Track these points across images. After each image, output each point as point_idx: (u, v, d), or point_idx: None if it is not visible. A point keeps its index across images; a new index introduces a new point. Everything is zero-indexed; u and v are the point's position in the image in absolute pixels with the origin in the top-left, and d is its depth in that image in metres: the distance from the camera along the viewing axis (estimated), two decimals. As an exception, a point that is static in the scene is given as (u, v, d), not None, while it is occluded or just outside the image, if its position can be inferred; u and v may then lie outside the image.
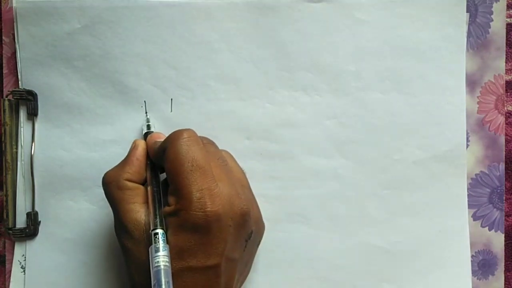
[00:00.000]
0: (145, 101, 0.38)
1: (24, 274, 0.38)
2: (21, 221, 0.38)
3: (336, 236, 0.38)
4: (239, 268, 0.32)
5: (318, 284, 0.38)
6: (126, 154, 0.34)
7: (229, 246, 0.30)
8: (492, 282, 0.40)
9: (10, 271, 0.38)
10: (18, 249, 0.38)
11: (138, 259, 0.30)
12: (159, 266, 0.27)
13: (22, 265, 0.38)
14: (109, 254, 0.38)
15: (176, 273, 0.28)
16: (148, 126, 0.37)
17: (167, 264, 0.28)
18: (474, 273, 0.39)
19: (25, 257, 0.38)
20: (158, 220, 0.29)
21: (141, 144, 0.34)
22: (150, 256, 0.28)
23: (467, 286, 0.39)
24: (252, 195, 0.34)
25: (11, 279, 0.38)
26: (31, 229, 0.38)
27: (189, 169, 0.29)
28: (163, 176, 0.34)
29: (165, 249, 0.28)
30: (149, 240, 0.29)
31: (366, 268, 0.39)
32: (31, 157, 0.38)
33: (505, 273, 0.40)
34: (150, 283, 0.28)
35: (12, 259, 0.38)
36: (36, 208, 0.38)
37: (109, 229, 0.38)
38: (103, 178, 0.32)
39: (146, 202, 0.31)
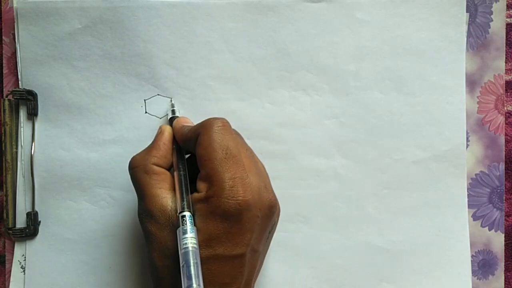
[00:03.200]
0: (145, 101, 0.38)
1: (24, 274, 0.38)
2: (21, 221, 0.38)
3: (336, 236, 0.39)
4: (261, 259, 0.32)
5: (318, 284, 0.38)
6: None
7: (255, 237, 0.30)
8: (492, 282, 0.40)
9: (10, 271, 0.38)
10: (18, 249, 0.38)
11: (162, 244, 0.30)
12: (187, 247, 0.27)
13: (22, 265, 0.38)
14: (109, 254, 0.38)
15: (203, 260, 0.28)
16: (173, 111, 0.37)
17: (195, 245, 0.28)
18: (474, 273, 0.39)
19: (25, 257, 0.38)
20: (185, 203, 0.29)
21: (167, 129, 0.34)
22: (178, 238, 0.28)
23: (467, 286, 0.39)
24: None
25: (11, 279, 0.38)
26: (31, 229, 0.38)
27: (223, 156, 0.29)
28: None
29: (193, 231, 0.28)
30: (174, 225, 0.29)
31: (366, 268, 0.39)
32: (31, 157, 0.38)
33: (505, 273, 0.40)
34: (172, 268, 0.28)
35: (12, 259, 0.38)
36: (36, 208, 0.38)
37: (109, 229, 0.38)
38: (130, 162, 0.32)
39: (173, 188, 0.31)
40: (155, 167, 0.32)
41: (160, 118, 0.38)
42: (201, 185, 0.30)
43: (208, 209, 0.29)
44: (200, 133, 0.31)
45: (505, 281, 0.40)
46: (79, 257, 0.38)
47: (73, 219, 0.38)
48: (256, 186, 0.30)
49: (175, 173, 0.32)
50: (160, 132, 0.34)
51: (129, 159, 0.32)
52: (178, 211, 0.29)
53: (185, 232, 0.28)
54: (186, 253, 0.27)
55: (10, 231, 0.38)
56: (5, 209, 0.38)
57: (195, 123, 0.34)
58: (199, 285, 0.26)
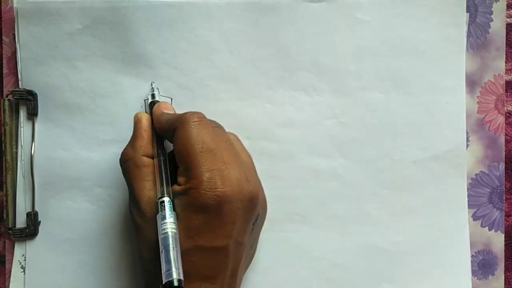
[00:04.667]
0: (145, 101, 0.38)
1: (24, 274, 0.38)
2: (21, 221, 0.38)
3: (336, 236, 0.38)
4: (246, 251, 0.32)
5: (318, 284, 0.38)
6: None
7: (237, 229, 0.30)
8: (492, 282, 0.40)
9: (10, 271, 0.38)
10: (18, 249, 0.38)
11: (148, 237, 0.30)
12: (166, 232, 0.27)
13: (22, 265, 0.38)
14: (109, 254, 0.38)
15: (184, 252, 0.28)
16: (153, 96, 0.37)
17: (174, 230, 0.28)
18: (474, 273, 0.39)
19: (25, 257, 0.38)
20: (164, 188, 0.29)
21: (144, 116, 0.34)
22: (157, 225, 0.28)
23: (467, 286, 0.39)
24: (258, 177, 0.34)
25: (11, 279, 0.38)
26: (31, 229, 0.38)
27: (199, 150, 0.29)
28: (170, 147, 0.34)
29: (172, 216, 0.28)
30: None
31: (366, 268, 0.39)
32: (31, 157, 0.38)
33: (505, 273, 0.40)
34: (158, 260, 0.28)
35: (12, 259, 0.38)
36: (36, 208, 0.38)
37: (109, 229, 0.38)
38: (121, 157, 0.33)
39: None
40: (144, 158, 0.32)
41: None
42: (181, 179, 0.30)
43: (187, 201, 0.29)
44: (177, 128, 0.31)
45: (505, 281, 0.40)
46: (79, 257, 0.38)
47: (73, 219, 0.38)
48: (235, 178, 0.30)
49: (155, 160, 0.32)
50: (137, 121, 0.34)
51: None
52: (157, 197, 0.29)
53: (164, 218, 0.28)
54: (165, 238, 0.27)
55: (10, 231, 0.38)
56: (5, 209, 0.38)
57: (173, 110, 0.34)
58: (177, 268, 0.26)
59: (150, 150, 0.33)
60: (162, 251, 0.27)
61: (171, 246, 0.27)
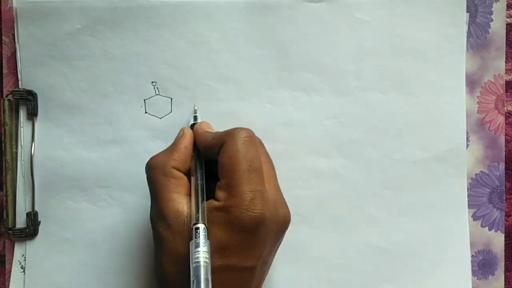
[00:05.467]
0: (145, 101, 0.38)
1: (24, 274, 0.38)
2: (21, 221, 0.38)
3: (336, 236, 0.38)
4: (268, 269, 0.32)
5: (318, 284, 0.38)
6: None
7: (267, 250, 0.30)
8: (492, 282, 0.40)
9: (10, 271, 0.38)
10: (18, 249, 0.38)
11: (173, 250, 0.29)
12: (198, 262, 0.27)
13: (22, 265, 0.38)
14: (108, 254, 0.38)
15: (215, 269, 0.28)
16: (195, 118, 0.37)
17: (207, 260, 0.27)
18: (474, 273, 0.39)
19: (25, 257, 0.38)
20: (200, 214, 0.29)
21: (189, 133, 0.34)
22: (190, 251, 0.28)
23: (467, 286, 0.39)
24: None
25: (11, 279, 0.38)
26: (31, 229, 0.38)
27: (246, 168, 0.29)
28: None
29: (206, 245, 0.28)
30: (188, 232, 0.29)
31: (366, 268, 0.39)
32: (31, 157, 0.38)
33: (505, 273, 0.40)
34: (182, 274, 0.28)
35: (12, 259, 0.38)
36: (36, 208, 0.38)
37: (109, 229, 0.38)
38: (149, 163, 0.32)
39: (189, 193, 0.31)
40: (174, 170, 0.31)
41: (160, 118, 0.38)
42: (220, 194, 0.29)
43: (226, 219, 0.28)
44: (226, 141, 0.30)
45: (505, 281, 0.40)
46: (79, 257, 0.38)
47: (73, 219, 0.38)
48: (273, 200, 0.30)
49: (192, 180, 0.31)
50: (182, 135, 0.33)
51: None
52: (192, 223, 0.29)
53: (197, 246, 0.27)
54: (197, 268, 0.27)
55: (10, 231, 0.38)
56: (5, 209, 0.38)
57: (214, 130, 0.34)
58: None
59: (184, 166, 0.32)
60: (193, 280, 0.27)
61: (202, 277, 0.26)
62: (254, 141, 0.31)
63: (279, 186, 0.32)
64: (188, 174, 0.32)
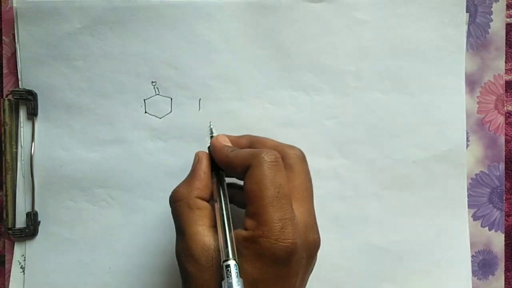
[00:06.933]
0: (145, 101, 0.38)
1: (24, 274, 0.38)
2: (21, 221, 0.38)
3: (336, 236, 0.38)
4: None
5: (318, 284, 0.38)
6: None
7: (300, 279, 0.29)
8: (492, 282, 0.40)
9: (10, 271, 0.38)
10: (18, 249, 0.38)
11: (202, 287, 0.28)
12: None
13: (22, 265, 0.38)
14: (108, 255, 0.38)
15: None
16: (211, 131, 0.35)
17: None
18: (474, 273, 0.39)
19: (24, 257, 0.38)
20: (229, 249, 0.27)
21: (205, 157, 0.32)
22: None
23: (467, 286, 0.39)
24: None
25: (11, 279, 0.38)
26: (31, 229, 0.38)
27: (274, 195, 0.28)
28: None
29: (239, 284, 0.26)
30: (217, 267, 0.28)
31: (366, 268, 0.39)
32: (31, 157, 0.38)
33: (505, 273, 0.40)
34: None
35: (12, 259, 0.38)
36: (36, 208, 0.38)
37: (108, 229, 0.38)
38: (172, 196, 0.31)
39: (214, 223, 0.30)
40: (198, 201, 0.30)
41: (160, 118, 0.38)
42: (249, 222, 0.28)
43: (256, 250, 0.27)
44: (251, 165, 0.29)
45: (505, 281, 0.40)
46: (79, 257, 0.38)
47: (73, 219, 0.38)
48: (303, 226, 0.29)
49: (216, 207, 0.30)
50: (198, 161, 0.32)
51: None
52: (222, 259, 0.27)
53: (230, 286, 0.26)
54: None
55: (10, 231, 0.38)
56: (5, 209, 0.38)
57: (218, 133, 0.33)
58: None
59: (206, 193, 0.31)
60: None
61: None
62: (280, 165, 0.29)
63: (313, 208, 0.31)
64: (211, 200, 0.31)
